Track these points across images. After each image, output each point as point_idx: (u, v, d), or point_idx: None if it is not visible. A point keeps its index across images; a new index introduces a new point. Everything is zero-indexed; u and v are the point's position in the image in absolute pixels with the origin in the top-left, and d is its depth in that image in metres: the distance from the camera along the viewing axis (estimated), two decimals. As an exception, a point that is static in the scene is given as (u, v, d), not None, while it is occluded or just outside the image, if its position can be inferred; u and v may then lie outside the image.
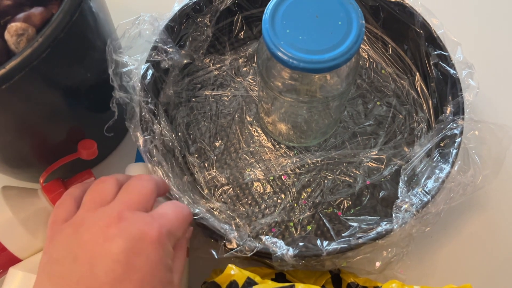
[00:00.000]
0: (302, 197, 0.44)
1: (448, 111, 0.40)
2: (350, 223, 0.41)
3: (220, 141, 0.46)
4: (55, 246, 0.28)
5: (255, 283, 0.33)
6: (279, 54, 0.32)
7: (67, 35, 0.29)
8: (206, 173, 0.45)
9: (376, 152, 0.45)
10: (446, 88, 0.41)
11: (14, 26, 0.27)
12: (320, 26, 0.32)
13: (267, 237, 0.36)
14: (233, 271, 0.33)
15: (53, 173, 0.41)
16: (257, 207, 0.44)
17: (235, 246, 0.35)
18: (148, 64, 0.41)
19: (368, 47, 0.49)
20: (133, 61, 0.38)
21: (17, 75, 0.27)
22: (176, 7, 0.44)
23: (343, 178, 0.44)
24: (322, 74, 0.35)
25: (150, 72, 0.41)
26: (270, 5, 0.33)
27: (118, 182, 0.32)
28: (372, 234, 0.35)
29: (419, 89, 0.46)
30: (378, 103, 0.47)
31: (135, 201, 0.30)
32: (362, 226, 0.38)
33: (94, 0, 0.35)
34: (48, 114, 0.37)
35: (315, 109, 0.40)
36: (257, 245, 0.35)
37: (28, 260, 0.38)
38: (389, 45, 0.48)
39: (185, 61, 0.46)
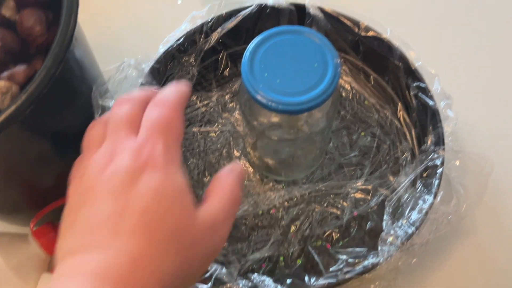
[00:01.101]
0: (291, 230, 0.44)
1: (429, 142, 0.41)
2: (338, 256, 0.41)
3: (208, 177, 0.47)
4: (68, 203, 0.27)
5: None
6: (258, 97, 0.33)
7: (51, 89, 0.30)
8: (195, 210, 0.45)
9: (362, 182, 0.45)
10: (426, 119, 0.42)
11: (-1, 84, 0.28)
12: (297, 69, 0.33)
13: (255, 275, 0.37)
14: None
15: (44, 217, 0.41)
16: (246, 242, 0.44)
17: (225, 285, 0.36)
18: (134, 107, 0.41)
19: (351, 78, 0.50)
20: (119, 105, 0.39)
21: (2, 131, 0.28)
22: (161, 49, 0.45)
23: (331, 210, 0.45)
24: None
25: (136, 114, 0.42)
26: (248, 50, 0.34)
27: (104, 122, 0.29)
28: (359, 268, 0.36)
29: (401, 118, 0.47)
30: (362, 133, 0.48)
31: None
32: (349, 260, 0.38)
33: (78, 46, 0.36)
34: (37, 161, 0.38)
35: (299, 145, 0.41)
36: (247, 284, 0.35)
37: None
38: (371, 76, 0.49)
39: (172, 101, 0.47)
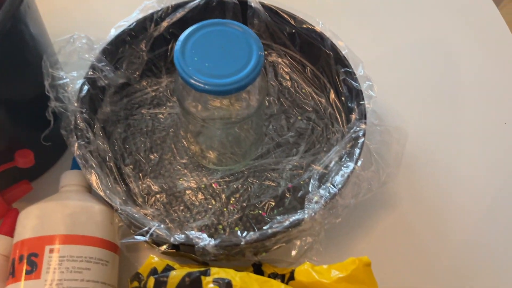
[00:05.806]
0: (231, 201, 0.47)
1: (353, 118, 0.46)
2: (272, 221, 0.45)
3: (155, 154, 0.50)
4: None
5: (174, 269, 0.35)
6: (187, 78, 0.37)
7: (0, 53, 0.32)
8: (140, 182, 0.48)
9: (298, 159, 0.49)
10: (352, 98, 0.47)
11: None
12: (225, 55, 0.38)
13: (192, 232, 0.39)
14: (154, 260, 0.36)
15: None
16: (189, 213, 0.47)
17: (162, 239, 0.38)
18: (84, 79, 0.44)
19: (290, 70, 0.55)
20: (70, 76, 0.42)
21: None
22: (113, 32, 0.49)
23: (268, 183, 0.48)
24: (228, 96, 0.40)
25: (86, 87, 0.44)
26: (181, 38, 0.39)
27: None
28: (286, 223, 0.39)
29: (333, 104, 0.52)
30: (299, 118, 0.53)
31: None
32: (279, 218, 0.42)
33: (30, 16, 0.39)
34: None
35: (234, 130, 0.45)
36: (182, 236, 0.38)
37: None
38: (308, 67, 0.54)
39: (121, 81, 0.50)
